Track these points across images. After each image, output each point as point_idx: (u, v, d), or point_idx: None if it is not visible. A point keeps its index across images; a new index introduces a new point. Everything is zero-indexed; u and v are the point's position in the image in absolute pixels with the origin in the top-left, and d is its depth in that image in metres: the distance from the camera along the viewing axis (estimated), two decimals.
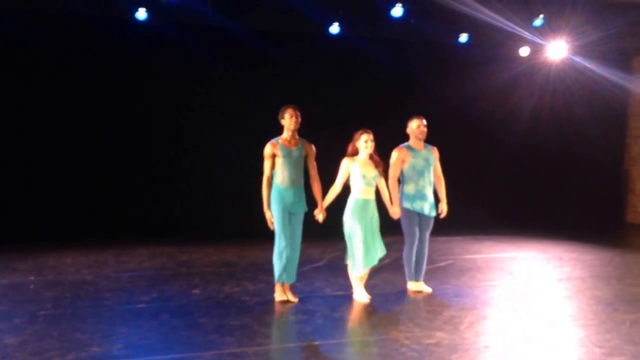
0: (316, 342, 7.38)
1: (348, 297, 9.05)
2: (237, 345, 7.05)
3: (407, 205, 9.33)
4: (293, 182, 8.63)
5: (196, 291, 9.30)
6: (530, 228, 15.22)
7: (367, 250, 8.85)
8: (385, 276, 10.39)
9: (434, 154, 9.50)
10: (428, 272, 9.99)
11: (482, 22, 12.47)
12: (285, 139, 8.68)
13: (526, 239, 14.23)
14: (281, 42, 13.92)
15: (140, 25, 12.79)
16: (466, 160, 15.82)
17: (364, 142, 8.89)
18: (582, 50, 14.47)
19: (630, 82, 16.64)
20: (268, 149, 8.63)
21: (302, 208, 8.76)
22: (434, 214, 9.50)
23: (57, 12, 12.44)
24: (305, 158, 8.78)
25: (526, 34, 13.43)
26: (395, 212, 9.18)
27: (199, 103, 14.01)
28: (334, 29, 13.48)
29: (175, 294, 9.12)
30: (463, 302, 9.14)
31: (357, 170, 8.85)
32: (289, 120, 8.65)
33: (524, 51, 14.83)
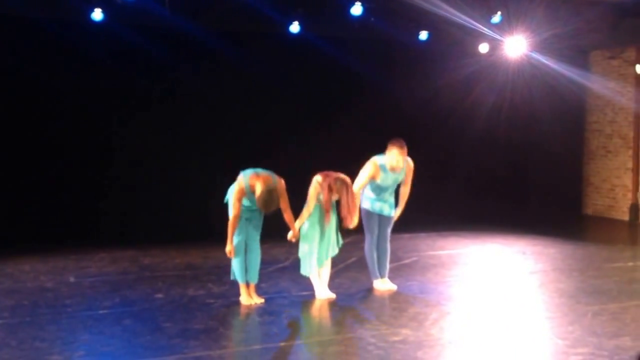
0: (282, 343, 7.37)
1: (314, 297, 9.02)
2: (201, 348, 7.01)
3: (366, 205, 9.44)
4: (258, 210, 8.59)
5: (159, 295, 9.21)
6: (493, 223, 15.29)
7: (320, 251, 8.90)
8: (350, 275, 10.40)
9: (406, 171, 9.49)
10: (393, 269, 10.02)
11: (442, 19, 12.50)
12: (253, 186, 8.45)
13: (489, 233, 14.29)
14: (240, 42, 13.86)
15: (96, 26, 12.63)
16: (428, 157, 15.82)
17: (334, 186, 8.84)
18: (540, 46, 14.58)
19: (587, 78, 16.81)
20: (237, 194, 8.43)
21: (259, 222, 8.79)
22: (393, 213, 9.61)
23: (7, 13, 12.24)
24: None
25: (485, 31, 13.48)
26: (351, 223, 8.99)
27: (156, 105, 13.90)
28: (294, 28, 13.44)
29: (138, 298, 9.02)
30: (428, 298, 9.18)
31: (320, 196, 8.85)
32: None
33: (484, 48, 14.90)
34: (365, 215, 9.47)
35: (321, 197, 8.80)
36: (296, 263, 10.25)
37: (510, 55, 14.64)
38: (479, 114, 15.89)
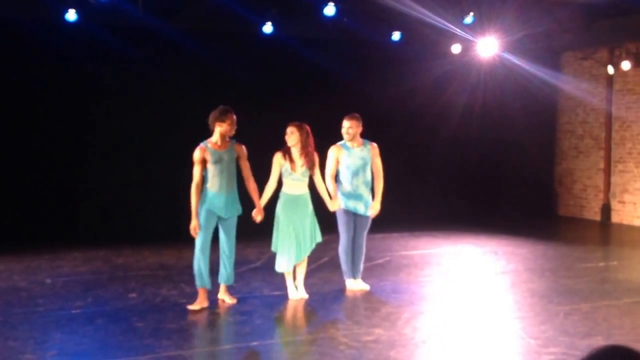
0: (254, 343, 7.37)
1: (286, 297, 9.02)
2: (174, 348, 7.02)
3: (341, 204, 9.35)
4: (224, 187, 8.43)
5: (132, 295, 9.20)
6: (465, 223, 15.36)
7: (297, 246, 8.89)
8: (323, 275, 10.41)
9: (371, 152, 9.47)
10: (366, 269, 10.04)
11: (415, 20, 12.52)
12: (215, 143, 8.44)
13: (462, 234, 14.35)
14: (214, 42, 13.82)
15: (69, 27, 12.57)
16: (400, 157, 15.90)
17: (286, 135, 8.91)
18: (512, 47, 14.64)
19: (558, 78, 16.91)
20: (197, 154, 8.38)
21: (235, 212, 8.58)
22: (370, 213, 9.49)
23: None
24: (237, 160, 8.57)
25: (458, 31, 13.53)
26: (332, 205, 9.21)
27: (131, 105, 13.84)
28: (267, 28, 13.42)
29: (111, 298, 9.00)
30: (401, 298, 9.22)
31: (285, 165, 8.89)
32: (229, 127, 8.47)
33: (456, 48, 14.93)
34: (340, 214, 9.41)
35: (286, 166, 8.88)
36: (268, 263, 10.29)
37: (483, 56, 14.70)
38: (452, 114, 15.93)
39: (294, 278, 9.06)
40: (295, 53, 14.16)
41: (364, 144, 9.44)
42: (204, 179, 8.45)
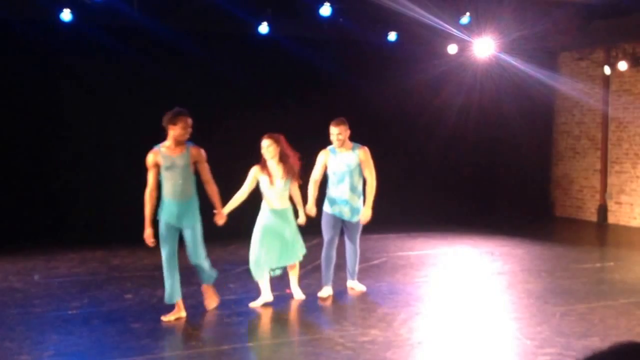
0: (250, 344, 7.45)
1: (282, 298, 9.03)
2: (170, 349, 7.09)
3: (326, 208, 9.24)
4: (178, 194, 7.97)
5: (128, 296, 9.22)
6: (462, 224, 15.38)
7: (269, 253, 8.67)
8: (319, 276, 10.31)
9: (359, 157, 9.20)
10: (362, 270, 10.05)
11: (411, 20, 12.52)
12: (169, 147, 8.00)
13: (458, 234, 14.36)
14: (210, 42, 13.82)
15: (65, 27, 12.57)
16: (396, 158, 15.92)
17: (262, 149, 8.67)
18: (509, 47, 14.63)
19: (555, 79, 16.91)
20: (149, 158, 8.02)
21: (191, 221, 8.04)
22: (355, 219, 9.26)
23: None
24: (195, 165, 8.08)
25: (454, 32, 13.52)
26: (307, 212, 9.03)
27: (126, 105, 13.83)
28: (263, 28, 13.43)
29: (107, 299, 9.01)
30: (397, 299, 9.22)
31: (264, 179, 8.66)
32: (181, 131, 7.98)
33: (452, 49, 14.94)
34: (324, 217, 9.27)
35: (264, 180, 8.66)
36: None
37: (479, 56, 14.70)
38: (448, 114, 15.94)
39: (290, 282, 9.06)
40: (291, 53, 14.16)
41: (353, 149, 9.23)
42: (160, 185, 8.07)
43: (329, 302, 9.04)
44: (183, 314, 8.14)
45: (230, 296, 8.91)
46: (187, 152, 8.01)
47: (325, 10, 12.60)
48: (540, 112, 17.56)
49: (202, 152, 8.11)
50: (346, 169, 9.13)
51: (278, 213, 8.73)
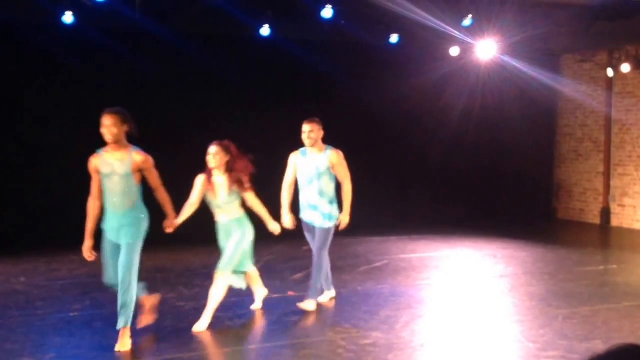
0: (252, 346, 7.46)
1: (285, 300, 9.06)
2: (172, 351, 7.04)
3: (300, 214, 8.80)
4: (118, 205, 7.14)
5: None
6: (464, 226, 15.41)
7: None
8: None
9: (330, 160, 8.63)
10: (364, 272, 10.08)
11: (413, 23, 12.54)
12: (109, 152, 7.24)
13: (460, 237, 14.38)
14: (211, 45, 13.85)
15: (67, 29, 12.61)
16: (398, 160, 15.94)
17: (208, 156, 8.00)
18: (511, 49, 14.65)
19: (558, 81, 16.93)
20: (89, 163, 7.22)
21: (130, 237, 7.10)
22: (326, 225, 8.62)
23: None
24: (140, 172, 7.27)
25: (456, 34, 13.53)
26: (272, 225, 8.32)
27: (128, 108, 13.80)
28: (265, 31, 13.45)
29: (109, 301, 8.93)
30: (399, 301, 9.21)
31: (208, 192, 8.05)
32: (103, 131, 7.32)
33: (454, 51, 14.95)
34: (302, 226, 8.86)
35: (208, 193, 7.99)
36: (267, 266, 10.31)
37: (481, 59, 14.71)
38: (450, 117, 15.96)
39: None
40: (293, 55, 14.19)
41: (324, 151, 8.66)
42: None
43: (331, 304, 9.05)
44: (129, 345, 7.12)
45: (231, 298, 8.88)
46: (130, 157, 7.19)
47: (327, 12, 12.61)
48: (543, 115, 17.58)
49: (150, 159, 7.30)
50: (315, 172, 8.61)
51: (227, 226, 8.05)
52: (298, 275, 10.55)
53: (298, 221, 8.82)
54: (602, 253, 14.04)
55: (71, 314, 8.37)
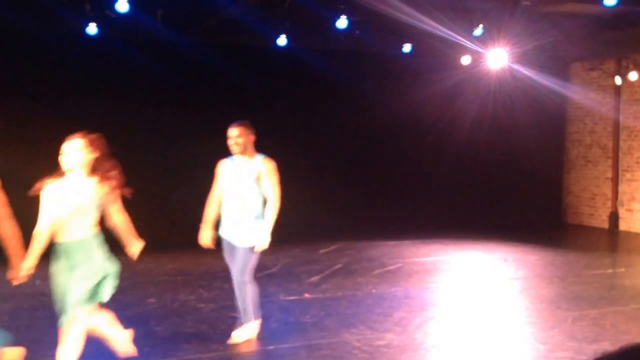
0: (270, 347, 7.51)
1: (301, 302, 9.18)
2: (192, 352, 7.16)
3: (220, 231, 7.65)
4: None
5: (151, 300, 9.35)
6: (475, 231, 15.47)
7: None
8: (337, 280, 10.55)
9: (260, 170, 7.44)
10: (378, 275, 10.12)
11: (425, 33, 12.64)
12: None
13: (471, 241, 14.47)
14: (230, 55, 13.94)
15: (90, 40, 12.78)
16: (412, 167, 16.04)
17: (64, 155, 6.11)
18: (521, 58, 14.68)
19: (567, 88, 17.03)
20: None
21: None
22: (245, 245, 7.43)
23: (6, 27, 12.41)
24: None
25: (467, 43, 13.59)
26: (133, 252, 6.93)
27: (148, 117, 13.99)
28: (282, 41, 13.58)
29: (131, 303, 9.09)
30: (412, 303, 9.31)
31: (55, 196, 6.11)
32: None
33: (466, 60, 15.02)
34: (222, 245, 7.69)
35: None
36: (284, 269, 10.43)
37: (492, 67, 14.76)
38: (462, 124, 16.02)
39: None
40: (308, 65, 14.27)
41: (254, 159, 7.50)
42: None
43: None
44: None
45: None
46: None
47: (342, 23, 12.68)
48: (552, 121, 17.64)
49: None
50: (241, 182, 7.44)
51: (62, 248, 6.31)
52: (314, 278, 10.66)
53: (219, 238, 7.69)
54: (610, 257, 14.06)
55: None
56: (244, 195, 7.41)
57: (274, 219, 7.43)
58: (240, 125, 7.49)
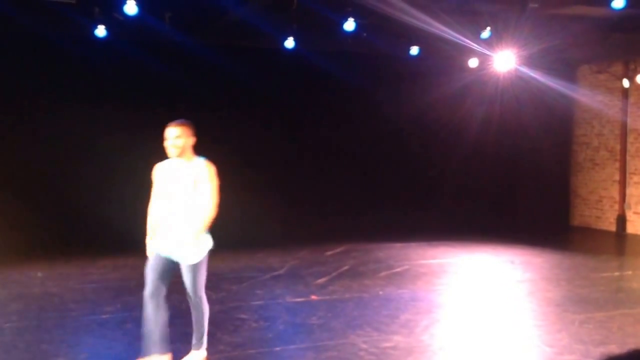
0: (277, 348, 7.54)
1: (308, 304, 9.19)
2: None
3: (151, 244, 7.03)
4: None
5: None
6: (482, 233, 15.47)
7: None
8: (343, 282, 10.55)
9: (198, 173, 6.68)
10: (385, 277, 10.10)
11: (432, 35, 12.65)
12: None
13: (478, 243, 14.46)
14: (238, 57, 13.98)
15: (99, 43, 12.84)
16: (420, 169, 16.08)
17: None
18: (529, 60, 14.70)
19: (574, 91, 17.05)
20: None
21: None
22: (192, 260, 6.71)
23: (16, 30, 12.48)
24: None
25: (474, 46, 13.60)
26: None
27: (157, 119, 14.00)
28: (289, 43, 13.60)
29: (139, 303, 8.91)
30: (419, 305, 9.33)
31: None
32: None
33: (473, 62, 15.03)
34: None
35: None
36: (291, 271, 10.42)
37: (500, 70, 14.79)
38: (469, 127, 16.05)
39: None
40: (316, 67, 14.31)
41: (194, 162, 6.76)
42: None
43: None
44: None
45: (257, 302, 9.05)
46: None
47: (349, 25, 12.70)
48: (559, 124, 17.65)
49: None
50: (178, 188, 6.69)
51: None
52: (321, 280, 10.67)
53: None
54: (617, 259, 14.05)
55: (103, 316, 8.57)
56: (186, 203, 6.64)
57: (205, 226, 6.63)
58: (179, 124, 6.77)
